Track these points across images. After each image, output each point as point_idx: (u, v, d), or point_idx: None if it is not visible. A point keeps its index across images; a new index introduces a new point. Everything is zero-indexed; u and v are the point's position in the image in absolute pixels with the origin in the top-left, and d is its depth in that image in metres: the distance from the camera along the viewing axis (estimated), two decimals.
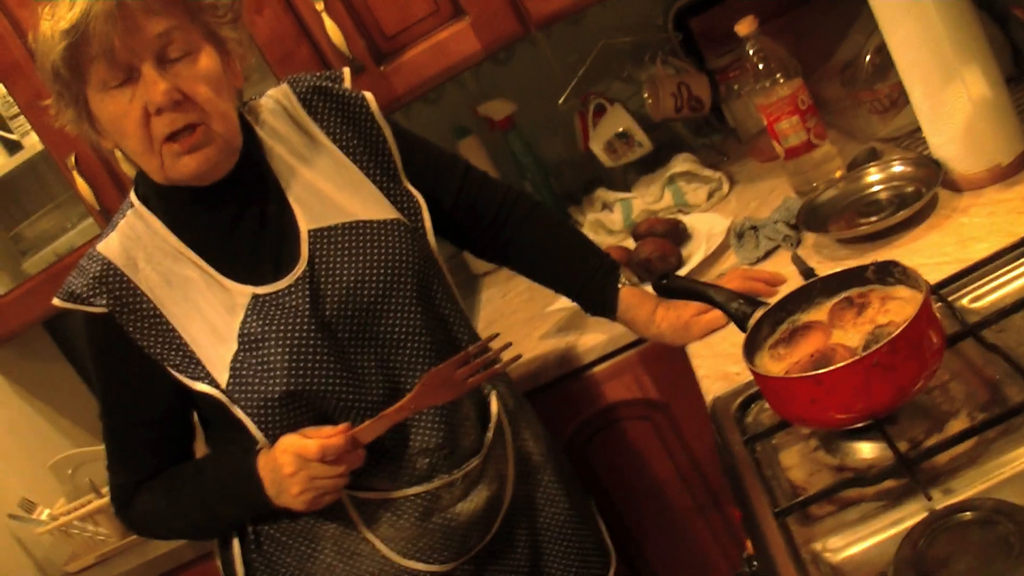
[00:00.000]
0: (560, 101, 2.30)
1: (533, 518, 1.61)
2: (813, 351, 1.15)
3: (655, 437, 1.95)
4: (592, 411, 1.93)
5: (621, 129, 2.27)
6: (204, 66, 1.35)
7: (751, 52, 1.81)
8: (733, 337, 1.41)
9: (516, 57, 2.49)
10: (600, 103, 2.34)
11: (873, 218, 1.60)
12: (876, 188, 1.69)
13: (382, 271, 1.44)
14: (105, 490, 2.12)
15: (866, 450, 1.14)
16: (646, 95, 2.30)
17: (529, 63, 2.50)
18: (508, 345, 1.46)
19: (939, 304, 1.27)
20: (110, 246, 1.41)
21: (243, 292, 1.40)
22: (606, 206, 2.30)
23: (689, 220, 2.04)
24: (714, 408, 1.38)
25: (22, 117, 2.29)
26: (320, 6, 2.02)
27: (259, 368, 1.37)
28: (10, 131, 2.35)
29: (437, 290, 1.51)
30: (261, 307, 1.39)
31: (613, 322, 1.66)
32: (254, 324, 1.38)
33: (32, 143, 2.30)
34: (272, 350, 1.37)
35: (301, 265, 1.42)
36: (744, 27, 1.80)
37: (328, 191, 1.47)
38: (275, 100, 1.52)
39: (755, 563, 1.14)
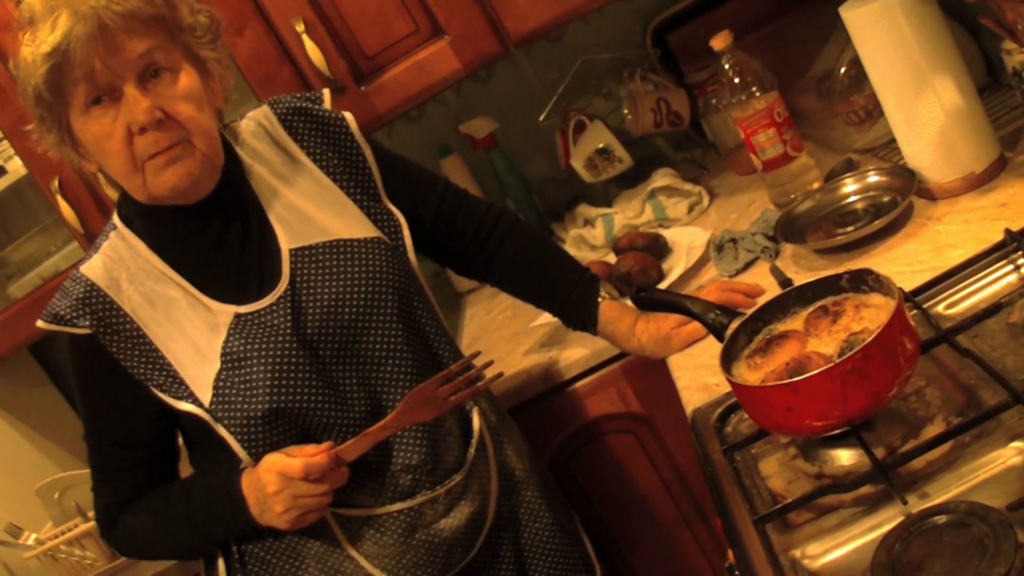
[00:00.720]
0: (541, 118, 2.31)
1: (517, 534, 1.61)
2: (789, 360, 1.16)
3: (639, 450, 1.95)
4: (576, 425, 1.94)
5: (601, 145, 2.29)
6: (185, 85, 1.36)
7: (727, 66, 1.83)
8: (712, 348, 1.42)
9: (497, 75, 2.51)
10: (580, 120, 2.35)
11: (850, 228, 1.62)
12: (853, 198, 1.71)
13: (363, 289, 1.44)
14: (92, 514, 2.11)
15: (844, 457, 1.15)
16: (626, 111, 2.32)
17: (510, 81, 2.51)
18: (490, 363, 1.47)
19: (914, 311, 1.29)
20: (93, 268, 1.42)
21: (225, 311, 1.40)
22: (588, 222, 2.31)
23: (669, 234, 2.05)
24: (694, 419, 1.39)
25: (5, 142, 2.28)
26: (300, 27, 2.03)
27: (242, 387, 1.37)
28: None
29: (418, 307, 1.51)
30: (243, 326, 1.39)
31: (595, 336, 1.67)
32: (236, 343, 1.38)
33: (16, 168, 2.30)
34: (254, 368, 1.37)
35: (282, 284, 1.42)
36: (719, 42, 1.81)
37: (309, 210, 1.48)
38: (256, 121, 1.53)
39: (737, 572, 1.15)
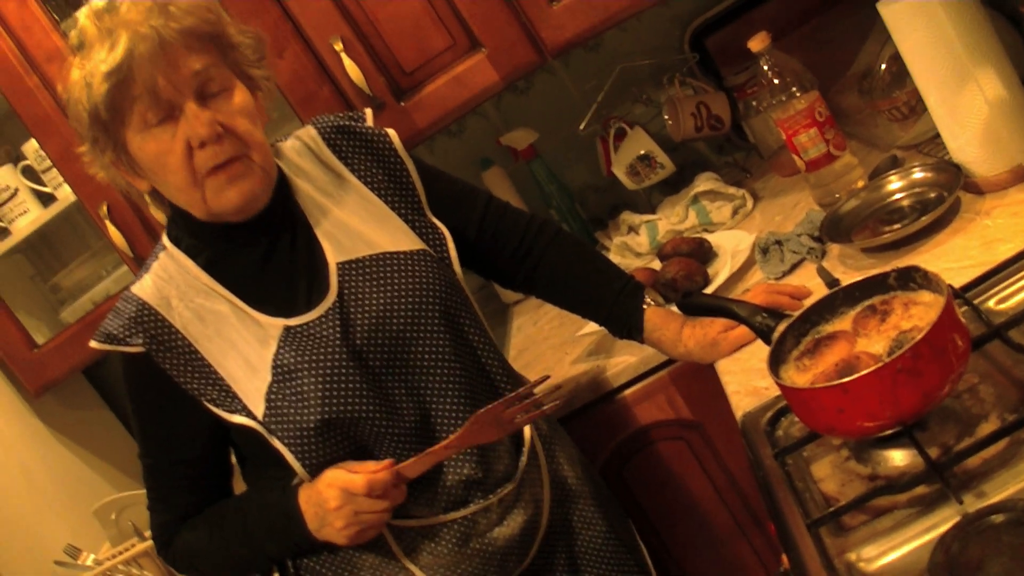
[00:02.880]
0: (581, 127, 2.32)
1: (571, 542, 1.61)
2: (838, 360, 1.15)
3: (690, 457, 1.94)
4: (626, 433, 1.94)
5: (643, 152, 2.29)
6: (240, 101, 1.39)
7: (766, 68, 1.83)
8: (760, 352, 1.41)
9: (535, 86, 2.52)
10: (621, 127, 2.35)
11: (896, 225, 1.60)
12: (898, 196, 1.69)
13: (409, 300, 1.46)
14: (148, 533, 2.15)
15: (897, 457, 1.14)
16: (666, 116, 2.32)
17: (549, 91, 2.52)
18: (559, 386, 1.45)
19: (964, 307, 1.27)
20: (144, 287, 1.45)
21: (275, 324, 1.43)
22: (632, 229, 2.31)
23: (714, 238, 2.04)
24: (744, 424, 1.39)
25: (54, 170, 2.33)
26: (339, 46, 2.05)
27: (294, 399, 1.39)
28: (43, 184, 2.40)
29: (464, 318, 1.52)
30: (293, 338, 1.41)
31: (642, 344, 1.67)
32: (287, 355, 1.40)
33: (65, 195, 2.35)
34: (306, 380, 1.39)
35: (331, 297, 1.44)
36: (757, 43, 1.81)
37: (355, 225, 1.50)
38: (300, 140, 1.56)
39: None
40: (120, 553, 2.28)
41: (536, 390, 1.42)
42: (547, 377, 1.46)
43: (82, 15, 1.36)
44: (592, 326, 1.94)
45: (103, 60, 1.30)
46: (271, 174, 1.44)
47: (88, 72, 1.32)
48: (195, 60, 1.35)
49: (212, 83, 1.37)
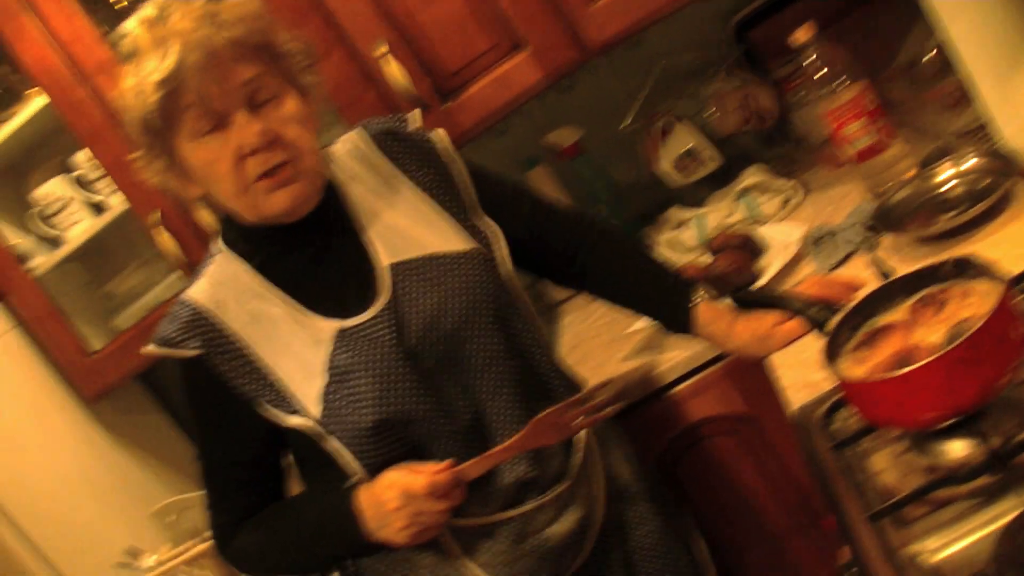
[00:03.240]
0: (626, 123, 2.32)
1: (625, 539, 1.62)
2: (895, 351, 1.14)
3: (744, 452, 1.94)
4: (679, 429, 1.93)
5: (689, 146, 2.28)
6: (290, 108, 1.41)
7: (812, 59, 1.82)
8: (815, 345, 1.41)
9: (579, 84, 2.52)
10: (666, 122, 2.34)
11: (950, 214, 1.59)
12: (951, 184, 1.68)
13: (462, 300, 1.47)
14: (207, 534, 2.18)
15: (957, 448, 1.13)
16: (712, 111, 2.31)
17: (592, 89, 2.52)
18: (618, 394, 1.45)
19: (1021, 295, 1.26)
20: (199, 291, 1.47)
21: (329, 326, 1.44)
22: (680, 224, 2.31)
23: (763, 231, 2.03)
24: (800, 417, 1.38)
25: (106, 179, 2.37)
26: (383, 50, 2.07)
27: (350, 399, 1.40)
28: (96, 193, 2.44)
29: (516, 317, 1.53)
30: (347, 339, 1.43)
31: (694, 339, 1.67)
32: (342, 356, 1.42)
33: (117, 203, 2.38)
34: (361, 381, 1.40)
35: (384, 297, 1.46)
36: (802, 34, 1.80)
37: (406, 226, 1.51)
38: (350, 143, 1.58)
39: (853, 570, 1.14)
40: (180, 554, 2.32)
41: (591, 397, 1.43)
42: (610, 381, 1.47)
43: (133, 24, 1.39)
44: (643, 322, 1.94)
45: (155, 70, 1.33)
46: (320, 178, 1.46)
47: (140, 81, 1.35)
48: (245, 69, 1.36)
49: (262, 91, 1.38)
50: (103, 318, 2.59)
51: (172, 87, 1.33)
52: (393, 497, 1.38)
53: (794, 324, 1.55)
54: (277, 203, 1.40)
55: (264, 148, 1.36)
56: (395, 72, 2.06)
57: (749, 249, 1.97)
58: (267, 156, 1.37)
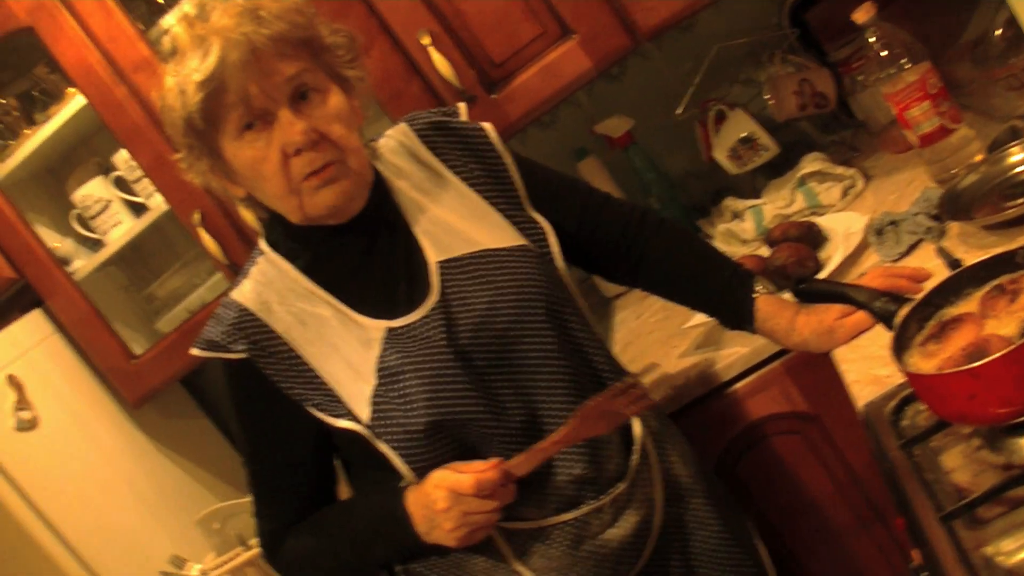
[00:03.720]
0: (678, 111, 2.31)
1: (686, 542, 1.62)
2: (966, 344, 1.14)
3: (808, 451, 1.93)
4: (739, 428, 1.93)
5: (744, 134, 2.28)
6: (334, 105, 1.42)
7: (872, 40, 1.80)
8: (881, 339, 1.40)
9: (629, 71, 2.52)
10: (720, 109, 2.34)
11: (1020, 200, 1.57)
12: (1021, 168, 1.66)
13: (513, 297, 1.48)
14: (253, 542, 2.21)
15: None
16: (767, 96, 2.30)
17: (643, 76, 2.52)
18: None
19: None
20: (243, 292, 1.49)
21: (377, 327, 1.46)
22: (736, 215, 2.30)
23: (824, 221, 2.02)
24: (867, 414, 1.37)
25: (145, 180, 2.40)
26: (427, 40, 2.08)
27: (400, 401, 1.41)
28: (135, 194, 2.48)
29: (569, 314, 1.54)
30: (396, 340, 1.44)
31: (753, 334, 1.66)
32: (391, 357, 1.43)
33: (157, 204, 2.42)
34: (411, 382, 1.42)
35: (433, 296, 1.47)
36: (862, 15, 1.79)
37: (454, 222, 1.53)
38: (395, 139, 1.59)
39: (924, 573, 1.13)
40: (225, 563, 2.35)
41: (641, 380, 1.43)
42: (655, 365, 1.47)
43: (173, 22, 1.41)
44: (700, 317, 1.94)
45: (196, 69, 1.34)
46: (366, 176, 1.48)
47: (182, 80, 1.37)
48: (288, 66, 1.38)
49: (306, 88, 1.40)
50: (145, 322, 2.64)
51: (214, 86, 1.35)
52: (441, 497, 1.39)
53: (859, 317, 1.54)
54: (323, 201, 1.42)
55: (309, 147, 1.38)
56: (439, 63, 2.08)
57: (809, 240, 1.97)
58: (312, 156, 1.39)
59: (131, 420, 2.61)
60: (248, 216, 2.23)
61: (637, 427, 1.58)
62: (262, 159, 1.40)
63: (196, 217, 2.30)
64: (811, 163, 2.20)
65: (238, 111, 1.37)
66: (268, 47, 1.35)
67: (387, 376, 1.43)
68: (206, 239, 2.31)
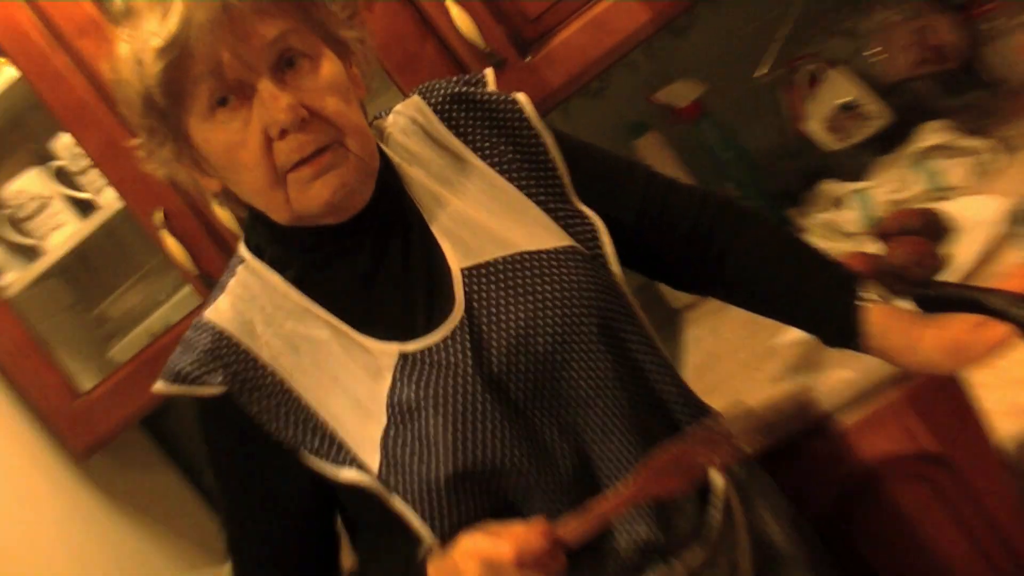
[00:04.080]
0: (761, 73, 2.31)
1: None
2: None
3: (937, 501, 1.92)
4: (848, 475, 1.92)
5: (846, 99, 2.27)
6: (328, 73, 1.43)
7: None
8: None
9: (698, 24, 2.52)
10: (815, 69, 2.34)
11: None
12: None
13: (558, 312, 1.47)
14: None
15: None
16: (876, 50, 2.29)
17: (716, 29, 2.52)
18: (761, 425, 1.45)
19: None
20: (220, 312, 1.50)
21: (388, 351, 1.46)
22: (837, 203, 2.30)
23: (951, 207, 2.02)
24: (1012, 453, 1.37)
25: (95, 170, 2.41)
26: None
27: (417, 445, 1.41)
28: (81, 189, 2.49)
29: (628, 331, 1.54)
30: (412, 368, 1.45)
31: (863, 353, 1.66)
32: (406, 390, 1.43)
33: (109, 201, 2.43)
34: (431, 421, 1.41)
35: (457, 312, 1.47)
36: None
37: (482, 219, 1.53)
38: (406, 116, 1.60)
39: None
40: None
41: (728, 421, 1.42)
42: (745, 410, 1.46)
43: None
44: (795, 333, 1.93)
45: (154, 32, 1.35)
46: (371, 163, 1.48)
47: (138, 47, 1.37)
48: (269, 26, 1.38)
49: (292, 54, 1.40)
50: (95, 349, 2.65)
51: (176, 54, 1.35)
52: (472, 570, 1.38)
53: (998, 329, 1.53)
54: (317, 197, 1.42)
55: (296, 128, 1.38)
56: (459, 20, 2.09)
57: (931, 232, 1.96)
58: (302, 139, 1.39)
59: (78, 474, 2.61)
60: (225, 216, 2.24)
61: (717, 476, 1.58)
62: (239, 144, 1.40)
63: (158, 217, 2.31)
64: (933, 134, 2.20)
65: (208, 84, 1.37)
66: (244, 4, 1.36)
67: (401, 414, 1.43)
68: (171, 244, 2.32)
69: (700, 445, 1.40)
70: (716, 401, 1.77)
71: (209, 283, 2.28)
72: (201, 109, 1.40)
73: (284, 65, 1.40)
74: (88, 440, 2.52)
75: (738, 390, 2.01)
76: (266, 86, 1.38)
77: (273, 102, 1.37)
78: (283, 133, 1.38)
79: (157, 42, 1.35)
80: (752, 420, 1.43)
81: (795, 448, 1.91)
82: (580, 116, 2.58)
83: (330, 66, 1.44)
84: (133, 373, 2.44)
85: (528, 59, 2.14)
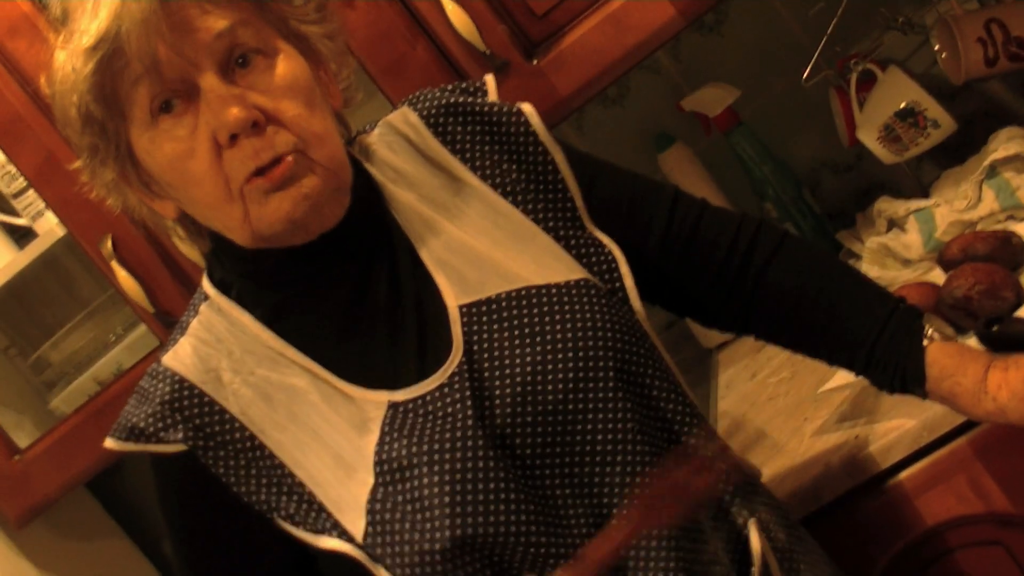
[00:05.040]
0: (805, 75, 2.32)
1: None
2: None
3: (1013, 567, 1.92)
4: (907, 539, 1.92)
5: (904, 104, 2.28)
6: (286, 71, 1.44)
7: None
8: None
9: (731, 19, 2.54)
10: (867, 69, 2.35)
11: None
12: None
13: (570, 355, 1.48)
14: None
15: None
16: (937, 47, 2.31)
17: (752, 25, 2.53)
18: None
19: None
20: (181, 357, 1.50)
21: (375, 400, 1.47)
22: (894, 223, 2.31)
23: None
24: None
25: (31, 192, 2.43)
26: None
27: (409, 509, 1.41)
28: (17, 214, 2.50)
29: (651, 376, 1.54)
30: (403, 419, 1.45)
31: (924, 400, 1.66)
32: (396, 445, 1.44)
33: (49, 227, 2.44)
34: (425, 481, 1.41)
35: (454, 356, 1.48)
36: None
37: (482, 249, 1.55)
38: (393, 129, 1.61)
39: None
40: None
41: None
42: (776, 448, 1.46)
43: None
44: (843, 376, 1.94)
45: (84, 31, 1.36)
46: (341, 175, 1.48)
47: (71, 51, 1.39)
48: (215, 19, 1.39)
49: (244, 50, 1.41)
50: (33, 400, 2.65)
51: (106, 52, 1.35)
52: None
53: None
54: (276, 212, 1.42)
55: (249, 132, 1.38)
56: (456, 17, 2.10)
57: (1005, 259, 1.97)
58: (256, 145, 1.39)
59: (13, 544, 2.61)
60: (190, 251, 2.22)
61: (755, 540, 1.57)
62: (187, 153, 1.41)
63: (107, 246, 2.32)
64: (1006, 143, 2.21)
65: (146, 86, 1.38)
66: None
67: (390, 472, 1.43)
68: (122, 277, 2.32)
69: (683, 464, 1.41)
70: (755, 455, 1.78)
71: (167, 322, 2.28)
72: (142, 116, 1.40)
73: (235, 63, 1.41)
74: (25, 505, 2.52)
75: (777, 442, 2.02)
76: (212, 85, 1.39)
77: (220, 103, 1.38)
78: (234, 139, 1.38)
79: (87, 40, 1.36)
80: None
81: (845, 509, 1.92)
82: (596, 128, 2.59)
83: (289, 64, 1.44)
84: (78, 427, 2.44)
85: (535, 62, 2.16)
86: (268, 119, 1.40)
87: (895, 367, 1.64)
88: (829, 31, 2.33)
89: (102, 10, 1.35)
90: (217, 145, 1.39)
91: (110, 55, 1.36)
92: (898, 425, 1.87)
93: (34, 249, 2.47)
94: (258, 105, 1.39)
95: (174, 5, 1.36)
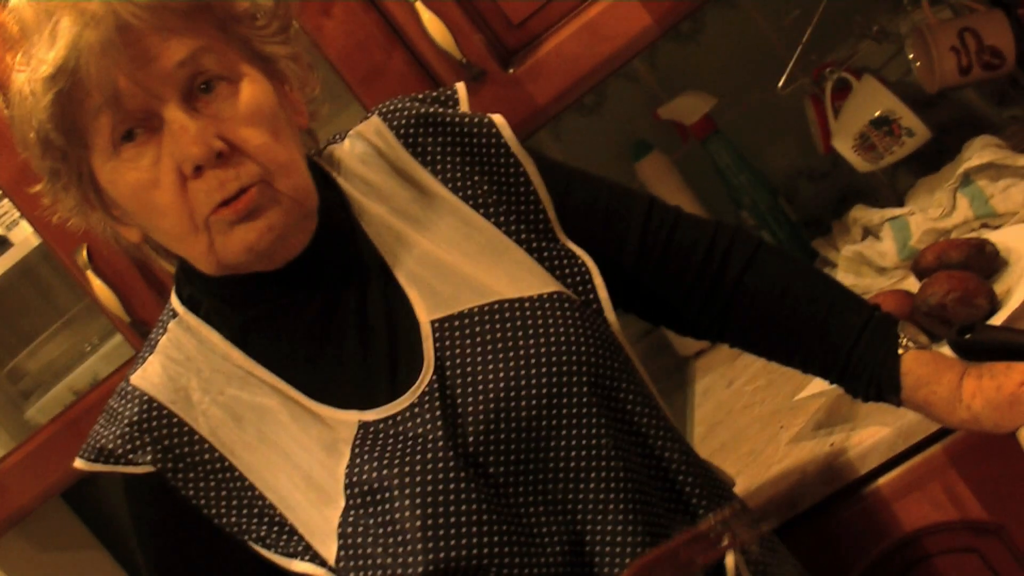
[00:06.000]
0: (781, 83, 2.32)
1: None
2: None
3: (988, 574, 1.92)
4: (883, 546, 1.92)
5: (879, 112, 2.28)
6: (250, 98, 1.41)
7: None
8: None
9: (708, 28, 2.54)
10: (843, 77, 2.35)
11: None
12: None
13: (543, 370, 1.47)
14: None
15: None
16: (912, 55, 2.30)
17: (729, 33, 2.54)
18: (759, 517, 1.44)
19: None
20: (149, 376, 1.49)
21: (346, 421, 1.45)
22: (869, 232, 2.31)
23: (999, 237, 2.03)
24: None
25: (6, 201, 2.41)
26: None
27: (382, 533, 1.40)
28: None
29: (626, 390, 1.53)
30: (374, 440, 1.44)
31: (899, 407, 1.66)
32: (367, 467, 1.42)
33: (24, 236, 2.42)
34: (397, 504, 1.40)
35: (426, 373, 1.47)
36: None
37: (454, 262, 1.53)
38: (364, 141, 1.60)
39: None
40: None
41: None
42: (737, 505, 1.45)
43: None
44: (819, 384, 1.93)
45: (44, 60, 1.33)
46: (306, 203, 1.46)
47: (29, 77, 1.36)
48: (176, 46, 1.37)
49: (207, 76, 1.39)
50: (8, 409, 2.64)
51: (65, 83, 1.33)
52: None
53: None
54: (240, 243, 1.40)
55: (214, 163, 1.36)
56: (432, 25, 2.09)
57: (979, 266, 1.96)
58: (221, 176, 1.37)
59: None
60: (164, 263, 2.22)
61: (729, 555, 1.56)
62: (151, 184, 1.38)
63: (82, 256, 2.31)
64: (980, 152, 2.20)
65: (107, 116, 1.36)
66: (144, 19, 1.33)
67: (362, 495, 1.41)
68: (97, 287, 2.31)
69: (697, 543, 1.40)
70: (728, 464, 1.78)
71: (142, 331, 2.28)
72: (104, 146, 1.38)
73: (197, 90, 1.39)
74: (0, 515, 2.51)
75: (754, 450, 2.01)
76: (175, 115, 1.36)
77: (184, 135, 1.35)
78: (199, 170, 1.36)
79: (46, 70, 1.32)
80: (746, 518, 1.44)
81: (821, 517, 1.92)
82: (572, 136, 2.59)
83: (253, 90, 1.42)
84: (53, 437, 2.43)
85: (511, 71, 2.15)
86: (232, 149, 1.38)
87: (870, 376, 1.65)
88: (804, 39, 2.34)
89: (59, 39, 1.32)
90: (182, 176, 1.37)
91: (69, 86, 1.33)
92: (873, 432, 1.87)
93: (9, 258, 2.46)
94: (222, 135, 1.37)
95: (134, 33, 1.33)
